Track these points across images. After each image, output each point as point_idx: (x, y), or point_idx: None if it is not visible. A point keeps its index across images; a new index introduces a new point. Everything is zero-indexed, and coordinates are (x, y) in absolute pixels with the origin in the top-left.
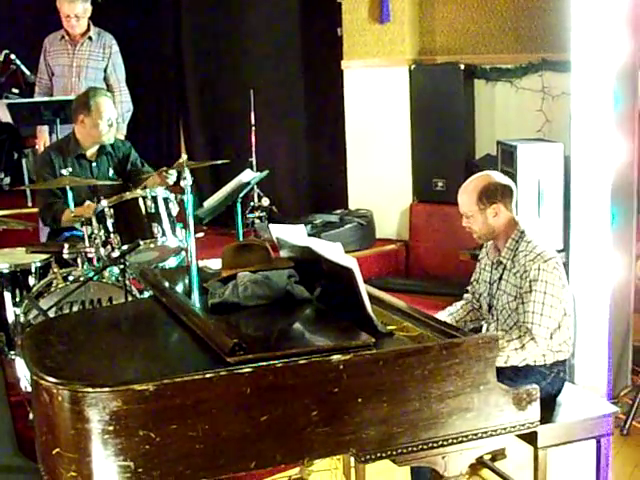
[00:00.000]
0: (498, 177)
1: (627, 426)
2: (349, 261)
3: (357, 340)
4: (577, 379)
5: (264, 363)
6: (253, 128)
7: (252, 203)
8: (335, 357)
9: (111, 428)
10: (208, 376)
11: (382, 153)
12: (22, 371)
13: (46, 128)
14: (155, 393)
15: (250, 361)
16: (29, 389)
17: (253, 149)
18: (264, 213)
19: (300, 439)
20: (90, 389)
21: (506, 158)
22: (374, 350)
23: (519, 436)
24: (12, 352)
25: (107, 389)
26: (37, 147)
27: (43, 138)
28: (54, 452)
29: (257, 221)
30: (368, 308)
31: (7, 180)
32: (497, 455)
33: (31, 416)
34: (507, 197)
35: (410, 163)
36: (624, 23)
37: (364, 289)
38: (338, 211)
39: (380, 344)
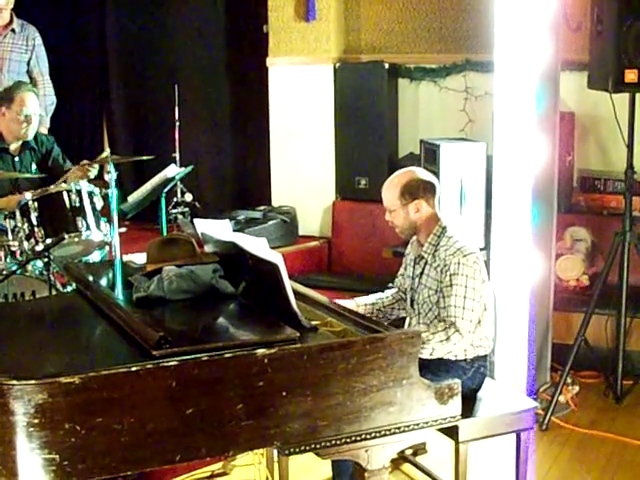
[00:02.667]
0: (421, 173)
1: (546, 421)
2: (274, 256)
3: (282, 334)
4: (497, 376)
5: (190, 356)
6: (177, 123)
7: (175, 198)
8: (260, 351)
9: (36, 421)
10: (134, 369)
11: (306, 150)
12: None
13: None
14: (81, 386)
15: (175, 354)
16: None
17: (176, 144)
18: (187, 209)
19: (225, 432)
20: (15, 382)
21: (429, 157)
22: (298, 344)
23: (440, 430)
24: None
25: (33, 382)
26: None
27: None
28: None
29: (180, 216)
30: (293, 303)
31: None
32: (418, 450)
33: None
34: (429, 193)
35: (333, 161)
36: (546, 25)
37: (289, 284)
38: (261, 207)
39: (304, 339)
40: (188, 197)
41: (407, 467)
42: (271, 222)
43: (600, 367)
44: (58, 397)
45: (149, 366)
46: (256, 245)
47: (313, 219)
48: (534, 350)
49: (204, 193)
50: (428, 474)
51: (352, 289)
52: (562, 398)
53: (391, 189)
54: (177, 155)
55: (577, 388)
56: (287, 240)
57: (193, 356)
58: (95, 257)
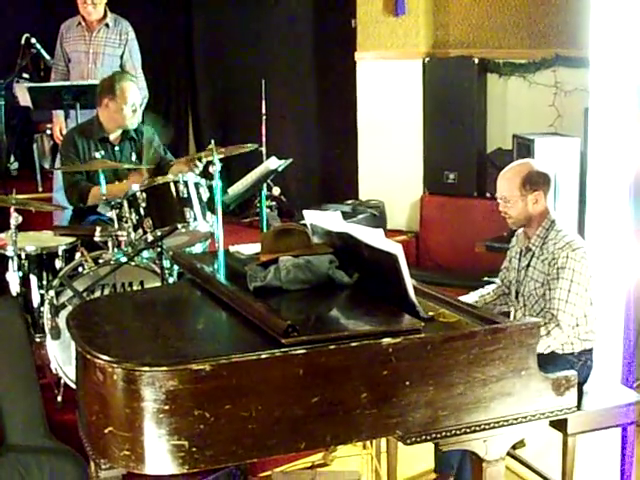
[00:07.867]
0: (539, 165)
1: None
2: (393, 247)
3: (406, 324)
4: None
5: (317, 345)
6: (264, 117)
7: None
8: (385, 340)
9: (166, 407)
10: (263, 357)
11: (394, 145)
12: (52, 353)
13: (62, 113)
14: (211, 373)
15: (303, 343)
16: (59, 371)
17: (263, 139)
18: (274, 202)
19: (349, 421)
20: (147, 368)
21: (522, 151)
22: (422, 334)
23: (549, 422)
24: (38, 335)
25: (164, 368)
26: (50, 132)
27: (59, 123)
28: (106, 431)
29: (267, 210)
30: (411, 294)
31: (16, 165)
32: (517, 443)
33: (59, 398)
34: (547, 185)
35: (422, 155)
36: None
37: (408, 275)
38: (349, 201)
39: (425, 329)
40: (276, 191)
41: (507, 460)
42: (360, 216)
43: None
44: (188, 384)
45: (278, 354)
46: (373, 236)
47: (401, 213)
48: (633, 346)
49: (291, 187)
50: (529, 467)
51: (442, 283)
52: None
53: (511, 179)
54: (264, 149)
55: None
56: None
57: (321, 344)
58: (197, 248)
